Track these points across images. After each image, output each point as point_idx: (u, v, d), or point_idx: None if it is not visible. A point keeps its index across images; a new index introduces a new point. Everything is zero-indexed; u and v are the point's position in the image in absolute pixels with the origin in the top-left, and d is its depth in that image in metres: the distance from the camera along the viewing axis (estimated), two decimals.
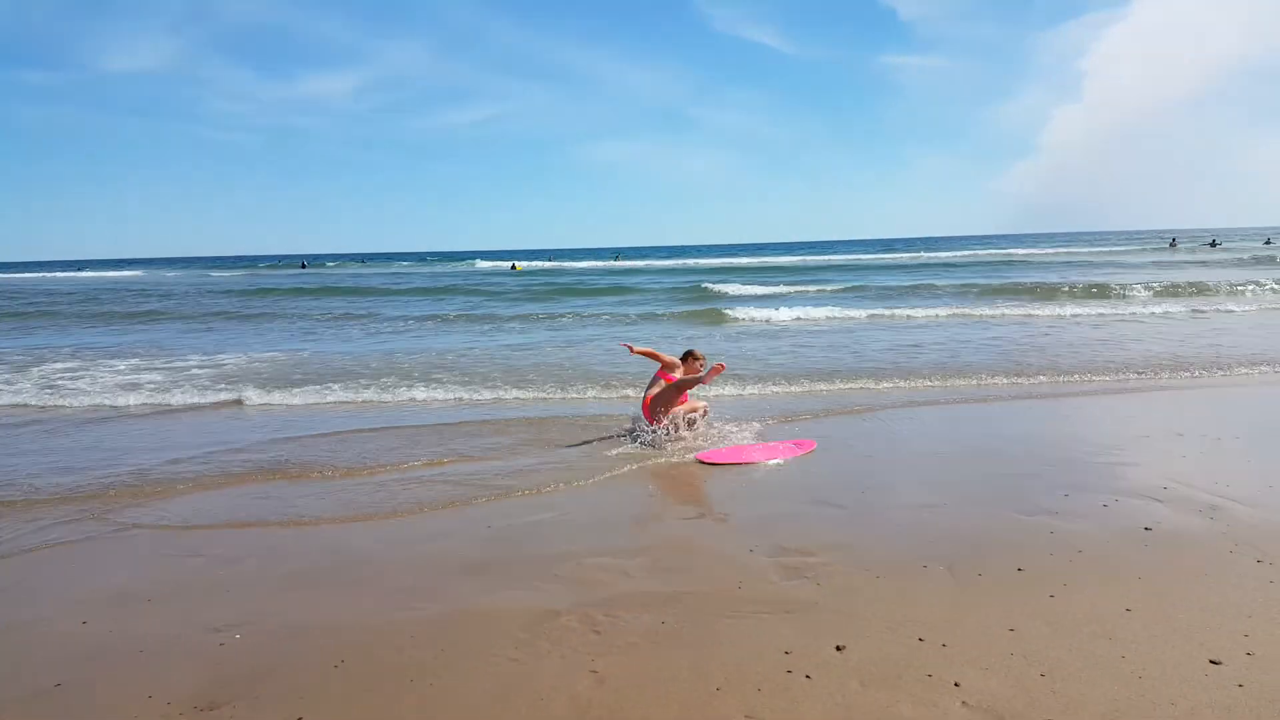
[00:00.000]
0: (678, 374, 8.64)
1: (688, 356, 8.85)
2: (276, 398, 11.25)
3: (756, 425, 8.62)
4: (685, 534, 5.56)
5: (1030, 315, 20.49)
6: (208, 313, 27.60)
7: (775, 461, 7.21)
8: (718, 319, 21.71)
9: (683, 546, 5.23)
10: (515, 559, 5.07)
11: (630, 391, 10.73)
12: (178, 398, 11.41)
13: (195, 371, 14.02)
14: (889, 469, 6.89)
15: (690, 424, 8.38)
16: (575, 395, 11.02)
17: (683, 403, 8.54)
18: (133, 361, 15.41)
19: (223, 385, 12.26)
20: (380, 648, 3.92)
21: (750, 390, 10.94)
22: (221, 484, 7.06)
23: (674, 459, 7.48)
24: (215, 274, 70.53)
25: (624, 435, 8.41)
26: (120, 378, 13.29)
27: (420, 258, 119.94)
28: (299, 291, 38.61)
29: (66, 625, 4.36)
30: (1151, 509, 5.61)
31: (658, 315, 23.69)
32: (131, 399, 11.37)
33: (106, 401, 11.25)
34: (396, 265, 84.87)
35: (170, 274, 74.11)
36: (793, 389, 10.97)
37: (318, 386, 11.90)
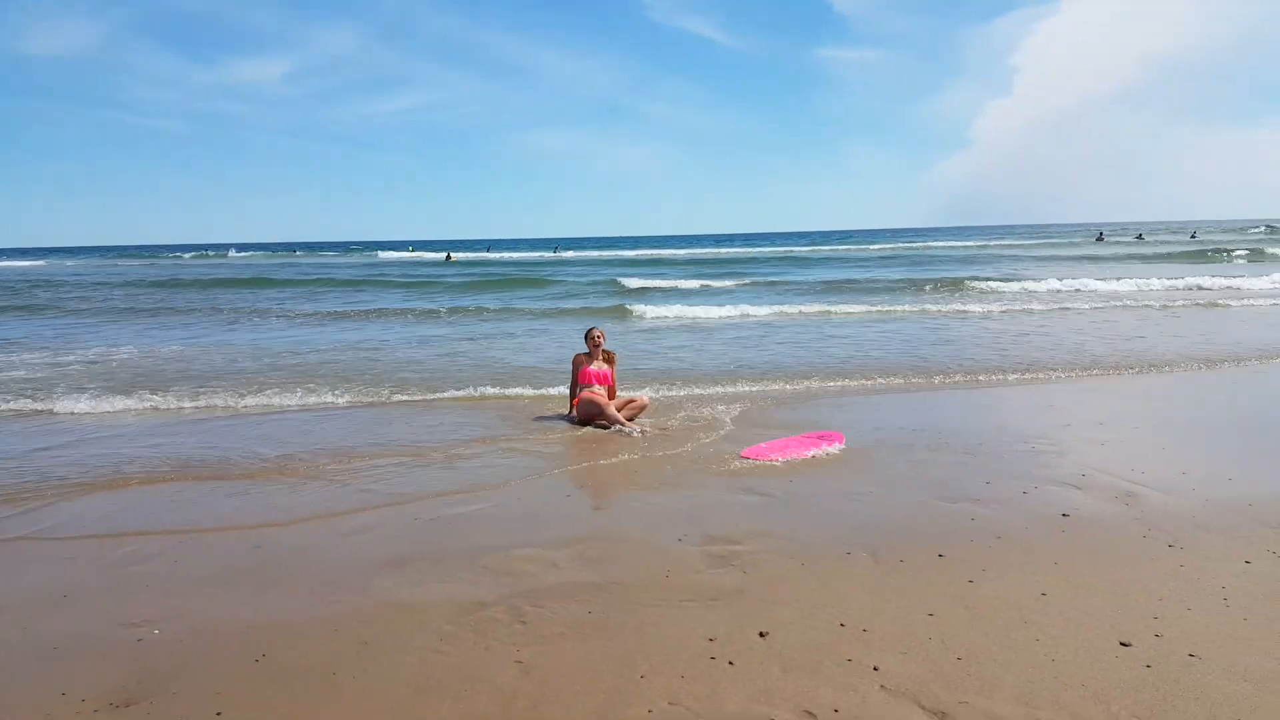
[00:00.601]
0: (593, 365, 8.70)
1: (587, 338, 8.98)
2: (174, 396, 10.36)
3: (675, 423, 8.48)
4: (615, 525, 5.57)
5: (959, 310, 20.71)
6: (129, 306, 26.51)
7: (812, 453, 7.09)
8: (624, 314, 21.48)
9: (612, 537, 5.23)
10: (442, 552, 5.01)
11: (555, 390, 10.24)
12: (58, 402, 10.09)
13: (86, 367, 13.07)
14: (814, 459, 6.96)
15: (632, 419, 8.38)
16: (503, 391, 10.65)
17: (612, 395, 8.61)
18: (24, 356, 14.36)
19: (110, 380, 11.59)
20: (302, 642, 3.85)
21: (666, 393, 10.10)
22: (130, 485, 6.73)
23: (616, 459, 7.48)
24: (147, 263, 68.02)
25: (549, 428, 8.38)
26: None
27: (345, 247, 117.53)
28: (219, 283, 37.39)
29: None
30: (1070, 496, 5.78)
31: (565, 311, 23.02)
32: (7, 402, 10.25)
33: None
34: (321, 255, 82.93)
35: (69, 263, 70.79)
36: (717, 389, 10.37)
37: (225, 380, 11.42)
